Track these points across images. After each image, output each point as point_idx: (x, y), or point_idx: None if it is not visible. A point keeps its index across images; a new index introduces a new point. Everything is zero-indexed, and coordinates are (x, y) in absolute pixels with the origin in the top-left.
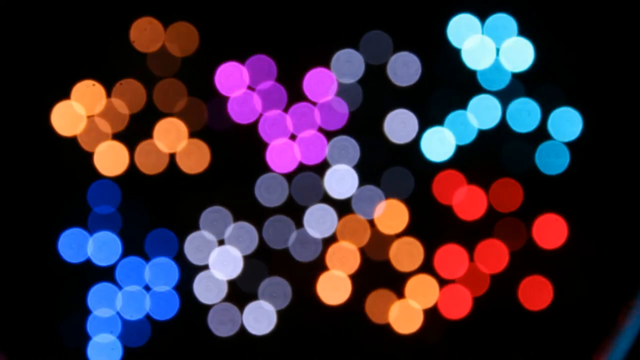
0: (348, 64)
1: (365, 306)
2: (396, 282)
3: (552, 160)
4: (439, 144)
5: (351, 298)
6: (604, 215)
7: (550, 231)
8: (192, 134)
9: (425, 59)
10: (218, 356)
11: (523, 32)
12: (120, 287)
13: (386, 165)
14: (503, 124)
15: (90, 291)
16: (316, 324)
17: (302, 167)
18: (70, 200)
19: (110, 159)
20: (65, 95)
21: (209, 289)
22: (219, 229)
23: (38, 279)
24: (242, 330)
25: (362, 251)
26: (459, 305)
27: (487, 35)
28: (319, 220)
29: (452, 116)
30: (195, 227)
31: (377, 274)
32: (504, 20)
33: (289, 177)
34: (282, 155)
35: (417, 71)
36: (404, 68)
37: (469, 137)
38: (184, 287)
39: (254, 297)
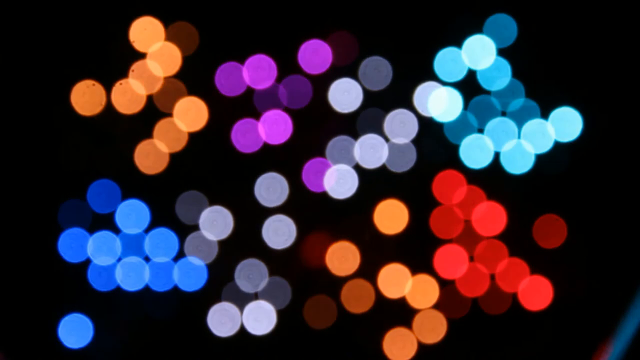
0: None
1: (365, 306)
2: (396, 282)
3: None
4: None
5: (351, 297)
6: (604, 216)
7: (551, 231)
8: (192, 134)
9: (425, 59)
10: (218, 356)
11: (523, 32)
12: (121, 288)
13: (386, 165)
14: (502, 123)
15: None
16: (316, 323)
17: (300, 167)
18: (70, 200)
19: (111, 158)
20: (65, 95)
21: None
22: (219, 228)
23: (38, 279)
24: (242, 330)
25: (362, 251)
26: (458, 305)
27: (487, 36)
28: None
29: (453, 117)
30: (196, 227)
31: (376, 274)
32: (504, 21)
33: (289, 177)
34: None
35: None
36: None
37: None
38: (184, 287)
39: (254, 297)
